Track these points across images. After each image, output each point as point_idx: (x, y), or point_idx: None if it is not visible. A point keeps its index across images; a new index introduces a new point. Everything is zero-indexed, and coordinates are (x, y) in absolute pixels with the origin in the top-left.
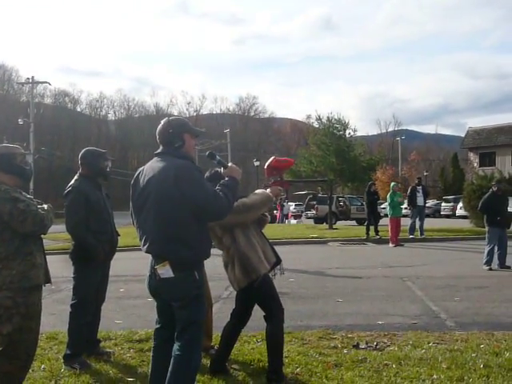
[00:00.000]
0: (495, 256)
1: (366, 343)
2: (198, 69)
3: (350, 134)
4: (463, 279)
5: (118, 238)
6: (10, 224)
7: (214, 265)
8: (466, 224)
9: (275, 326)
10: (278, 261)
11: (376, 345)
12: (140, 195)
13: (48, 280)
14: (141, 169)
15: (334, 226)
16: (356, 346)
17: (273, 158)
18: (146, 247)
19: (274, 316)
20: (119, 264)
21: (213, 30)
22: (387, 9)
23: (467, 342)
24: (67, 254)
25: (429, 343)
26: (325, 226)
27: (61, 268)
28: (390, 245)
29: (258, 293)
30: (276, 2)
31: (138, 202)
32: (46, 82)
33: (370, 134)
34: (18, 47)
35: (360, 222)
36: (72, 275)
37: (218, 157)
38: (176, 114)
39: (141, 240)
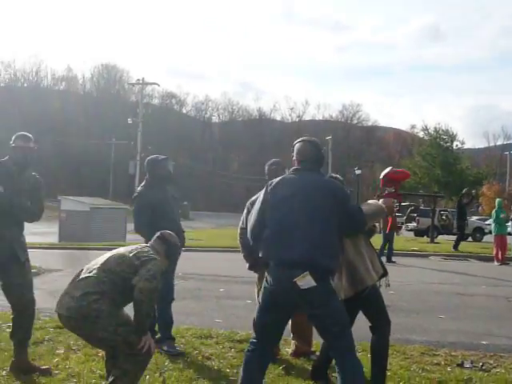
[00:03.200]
0: None
1: (471, 363)
2: (301, 75)
3: (457, 146)
4: None
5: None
6: None
7: None
8: None
9: (381, 338)
10: (385, 273)
11: (482, 365)
12: (284, 205)
13: None
14: (279, 179)
15: (436, 240)
16: (461, 365)
17: (390, 168)
18: (288, 253)
19: (381, 328)
20: (217, 265)
21: (317, 37)
22: (497, 18)
23: None
24: None
25: None
26: (426, 239)
27: None
28: (495, 263)
29: (365, 303)
30: (381, 10)
31: (279, 210)
32: (155, 84)
33: (476, 147)
34: (130, 50)
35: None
36: None
37: None
38: (279, 119)
39: (278, 245)
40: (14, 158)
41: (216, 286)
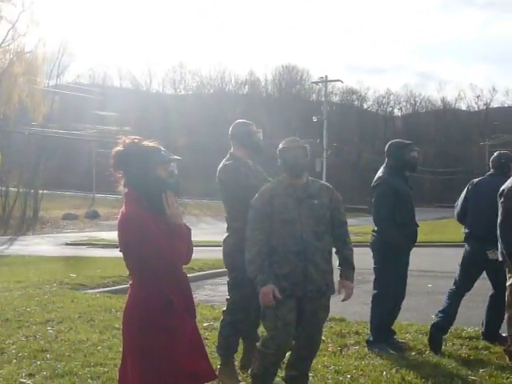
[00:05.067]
0: None
1: None
2: (485, 60)
3: None
4: None
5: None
6: None
7: None
8: None
9: None
10: None
11: None
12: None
13: None
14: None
15: None
16: None
17: None
18: None
19: None
20: (421, 259)
21: (500, 19)
22: None
23: None
24: (362, 246)
25: None
26: None
27: (363, 260)
28: None
29: None
30: None
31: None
32: (338, 80)
33: None
34: (308, 50)
35: None
36: (373, 265)
37: None
38: (464, 108)
39: None
40: None
41: (423, 282)
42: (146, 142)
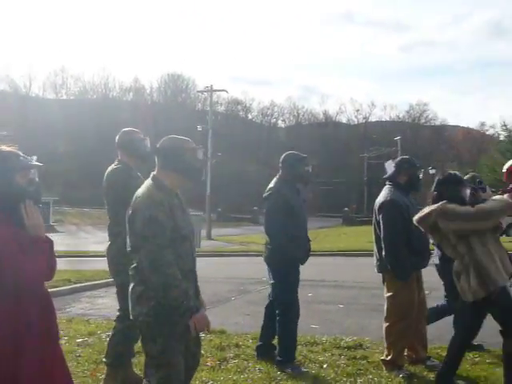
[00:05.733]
0: None
1: None
2: (365, 76)
3: None
4: None
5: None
6: None
7: None
8: None
9: None
10: None
11: None
12: None
13: None
14: None
15: None
16: None
17: None
18: None
19: None
20: (302, 268)
21: (378, 38)
22: None
23: None
24: (246, 255)
25: None
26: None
27: (247, 270)
28: None
29: (494, 305)
30: (442, 8)
31: None
32: (223, 90)
33: None
34: (194, 59)
35: None
36: (271, 280)
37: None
38: (345, 121)
39: None
40: None
41: (303, 291)
42: (2, 147)
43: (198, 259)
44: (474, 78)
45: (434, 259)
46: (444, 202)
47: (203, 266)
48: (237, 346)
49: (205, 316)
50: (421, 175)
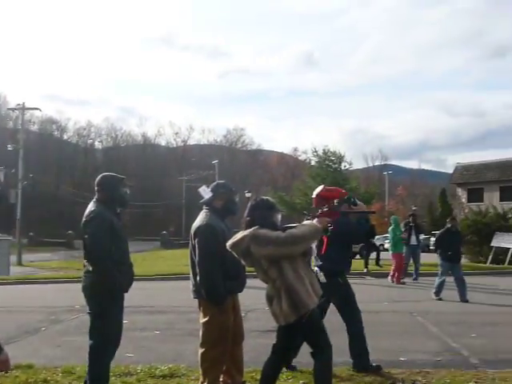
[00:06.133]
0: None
1: (402, 381)
2: (185, 100)
3: (345, 166)
4: (474, 315)
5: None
6: None
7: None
8: None
9: (324, 364)
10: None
11: (413, 383)
12: None
13: None
14: None
15: None
16: None
17: (322, 187)
18: None
19: (323, 353)
20: None
21: (197, 63)
22: (367, 47)
23: (506, 381)
24: (58, 283)
25: (468, 382)
26: None
27: (60, 297)
28: (389, 279)
29: (305, 328)
30: (257, 37)
31: None
32: (36, 109)
33: (355, 168)
34: (6, 75)
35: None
36: (89, 311)
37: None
38: (163, 144)
39: None
40: None
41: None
42: None
43: (6, 287)
44: (288, 105)
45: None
46: (256, 227)
47: (11, 294)
48: (45, 381)
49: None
50: (237, 199)
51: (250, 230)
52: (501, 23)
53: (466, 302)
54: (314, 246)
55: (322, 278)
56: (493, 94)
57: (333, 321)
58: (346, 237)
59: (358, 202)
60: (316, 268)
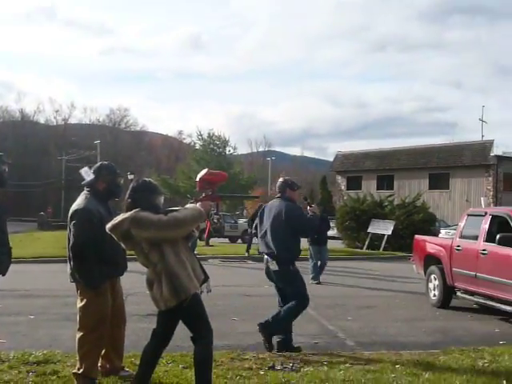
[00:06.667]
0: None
1: (282, 364)
2: (66, 77)
3: (229, 151)
4: (350, 299)
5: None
6: None
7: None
8: (337, 245)
9: (205, 348)
10: (206, 278)
11: (292, 366)
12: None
13: None
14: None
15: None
16: (272, 368)
17: (206, 170)
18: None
19: (204, 337)
20: None
21: (81, 40)
22: (256, 33)
23: (381, 362)
24: None
25: (344, 364)
26: (200, 242)
27: None
28: None
29: (186, 313)
30: (144, 17)
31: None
32: None
33: (240, 154)
34: None
35: (233, 239)
36: None
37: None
38: (43, 121)
39: None
40: None
41: None
42: None
43: None
44: (175, 87)
45: (271, 265)
46: (137, 209)
47: None
48: None
49: None
50: (121, 182)
51: (131, 212)
52: (383, 19)
53: (319, 283)
54: (195, 230)
55: (274, 266)
56: (374, 86)
57: (218, 304)
58: (300, 228)
59: (313, 205)
60: (266, 256)
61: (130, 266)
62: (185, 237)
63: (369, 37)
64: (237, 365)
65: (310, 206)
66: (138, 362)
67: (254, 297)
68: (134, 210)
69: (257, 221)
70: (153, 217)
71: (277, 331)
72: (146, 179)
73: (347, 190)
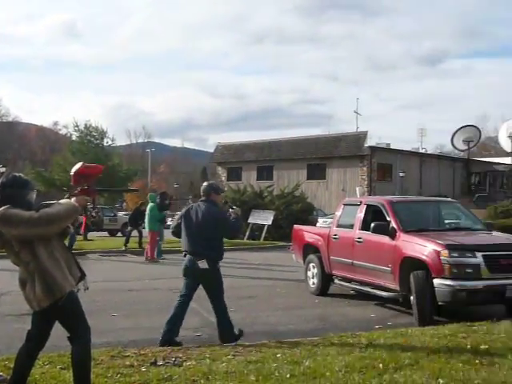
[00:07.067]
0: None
1: (163, 359)
2: None
3: (107, 142)
4: (232, 290)
5: None
6: None
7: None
8: None
9: (83, 348)
10: (83, 275)
11: (174, 360)
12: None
13: None
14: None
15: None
16: (154, 363)
17: (81, 163)
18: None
19: (81, 337)
20: None
21: None
22: (133, 22)
23: (262, 352)
24: None
25: (226, 356)
26: (79, 237)
27: None
28: (145, 259)
29: (61, 312)
30: (15, 3)
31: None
32: None
33: (118, 145)
34: None
35: (112, 233)
36: None
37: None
38: None
39: None
40: None
41: None
42: None
43: None
44: (49, 77)
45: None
46: (7, 206)
47: None
48: None
49: None
50: None
51: (1, 209)
52: (262, 10)
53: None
54: (71, 226)
55: (203, 264)
56: (253, 78)
57: (96, 300)
58: (226, 229)
59: (234, 207)
60: (190, 255)
61: (2, 264)
62: (59, 233)
63: (248, 28)
64: (117, 362)
65: (232, 209)
66: (12, 366)
67: (134, 291)
68: (3, 208)
69: (180, 220)
70: (23, 214)
71: (231, 334)
72: (16, 174)
73: (228, 181)
